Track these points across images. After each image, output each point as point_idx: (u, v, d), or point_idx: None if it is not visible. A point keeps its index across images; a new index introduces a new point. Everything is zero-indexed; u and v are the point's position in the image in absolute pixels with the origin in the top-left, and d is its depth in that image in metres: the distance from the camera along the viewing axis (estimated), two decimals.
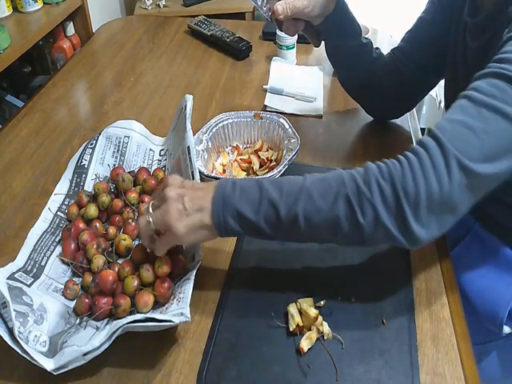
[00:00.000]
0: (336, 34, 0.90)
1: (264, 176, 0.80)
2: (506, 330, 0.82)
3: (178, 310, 0.62)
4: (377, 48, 0.97)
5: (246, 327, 0.67)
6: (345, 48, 0.93)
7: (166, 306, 0.65)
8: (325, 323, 0.65)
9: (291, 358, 0.64)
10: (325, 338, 0.64)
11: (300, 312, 0.66)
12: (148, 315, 0.61)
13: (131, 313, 0.66)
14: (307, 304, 0.66)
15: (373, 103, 1.03)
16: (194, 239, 0.65)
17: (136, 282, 0.67)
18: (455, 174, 0.56)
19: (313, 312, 0.64)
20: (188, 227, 0.62)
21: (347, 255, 0.76)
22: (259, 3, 0.75)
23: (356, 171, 0.61)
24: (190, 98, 0.84)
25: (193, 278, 0.66)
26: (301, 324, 0.65)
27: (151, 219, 0.64)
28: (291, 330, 0.65)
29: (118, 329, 0.60)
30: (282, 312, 0.68)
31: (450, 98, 0.90)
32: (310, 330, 0.65)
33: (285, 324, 0.67)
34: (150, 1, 2.01)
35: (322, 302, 0.68)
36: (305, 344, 0.63)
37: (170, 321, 0.60)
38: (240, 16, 2.02)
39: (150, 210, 0.65)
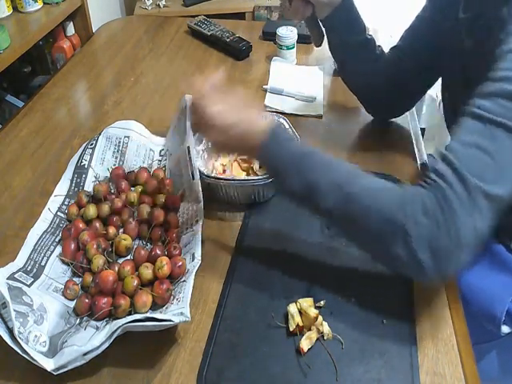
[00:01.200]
0: (342, 27, 0.90)
1: (264, 177, 0.80)
2: (505, 329, 0.81)
3: (178, 310, 0.62)
4: (379, 46, 0.97)
5: (246, 327, 0.67)
6: (350, 43, 0.93)
7: (166, 305, 0.65)
8: (325, 323, 0.65)
9: (291, 358, 0.64)
10: (325, 338, 0.64)
11: (300, 312, 0.66)
12: (148, 315, 0.61)
13: (130, 313, 0.66)
14: (307, 304, 0.66)
15: (373, 101, 1.02)
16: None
17: (136, 282, 0.67)
18: (482, 206, 0.57)
19: (313, 312, 0.64)
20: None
21: (347, 255, 0.75)
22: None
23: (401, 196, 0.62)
24: (190, 98, 0.84)
25: (192, 278, 0.66)
26: (301, 324, 0.65)
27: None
28: (291, 330, 0.65)
29: (117, 328, 0.60)
30: (282, 312, 0.68)
31: (447, 96, 0.91)
32: (310, 330, 0.65)
33: (285, 324, 0.67)
34: (150, 1, 2.01)
35: (322, 302, 0.68)
36: (305, 344, 0.63)
37: (170, 320, 0.60)
38: (240, 16, 2.02)
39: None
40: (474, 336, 0.68)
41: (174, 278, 0.70)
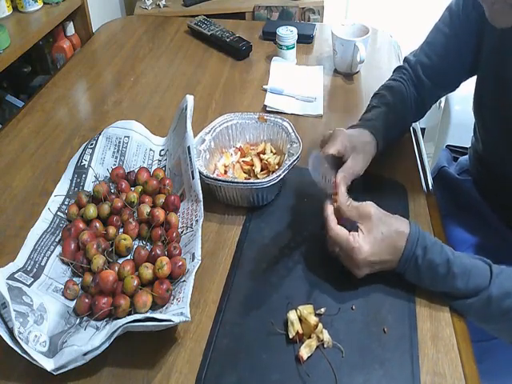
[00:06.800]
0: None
1: (263, 180, 0.79)
2: None
3: (178, 310, 0.62)
4: (388, 87, 0.96)
5: (245, 333, 0.66)
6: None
7: (166, 306, 0.65)
8: (325, 331, 0.64)
9: (290, 365, 0.63)
10: (325, 346, 0.64)
11: (300, 319, 0.65)
12: (148, 315, 0.61)
13: (130, 313, 0.66)
14: (307, 311, 0.65)
15: None
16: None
17: (136, 282, 0.67)
18: None
19: (313, 320, 0.64)
20: (371, 271, 0.70)
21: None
22: (320, 179, 0.76)
23: None
24: (190, 99, 0.84)
25: (193, 278, 0.66)
26: (300, 331, 0.64)
27: (337, 252, 0.70)
28: (291, 337, 0.64)
29: (117, 328, 0.60)
30: (282, 319, 0.67)
31: (486, 112, 0.89)
32: (309, 337, 0.64)
33: (284, 331, 0.66)
34: (150, 1, 2.01)
35: (322, 310, 0.67)
36: (304, 352, 0.62)
37: (170, 320, 0.60)
38: (240, 16, 2.02)
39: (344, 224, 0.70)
40: (476, 333, 0.68)
41: (174, 278, 0.70)
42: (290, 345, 0.65)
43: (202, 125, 0.93)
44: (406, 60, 0.98)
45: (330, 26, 1.24)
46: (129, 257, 0.76)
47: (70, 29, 1.46)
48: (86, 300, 0.67)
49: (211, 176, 0.82)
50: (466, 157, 1.07)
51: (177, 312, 0.62)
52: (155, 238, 0.77)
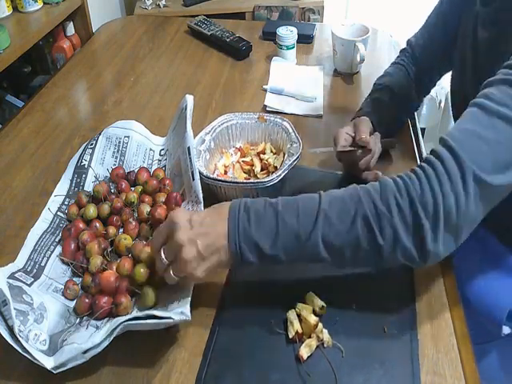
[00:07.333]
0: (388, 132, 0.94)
1: (264, 180, 0.79)
2: (506, 330, 0.81)
3: (179, 309, 0.62)
4: (389, 73, 1.00)
5: (244, 333, 0.66)
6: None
7: (167, 305, 0.65)
8: (325, 330, 0.64)
9: (290, 365, 0.62)
10: (325, 345, 0.63)
11: (300, 319, 0.65)
12: (149, 312, 0.61)
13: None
14: (307, 311, 0.65)
15: None
16: (211, 274, 0.63)
17: (143, 269, 0.67)
18: (471, 188, 0.56)
19: (313, 319, 0.64)
20: (207, 270, 0.62)
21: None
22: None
23: (372, 187, 0.60)
24: (190, 99, 0.84)
25: None
26: (300, 331, 0.64)
27: (172, 273, 0.62)
28: (290, 337, 0.64)
29: (117, 326, 0.60)
30: (282, 319, 0.67)
31: (457, 90, 0.91)
32: (309, 337, 0.64)
33: (284, 331, 0.66)
34: (150, 1, 2.01)
35: (322, 309, 0.67)
36: (304, 351, 0.62)
37: (170, 318, 0.60)
38: (240, 16, 2.02)
39: (163, 255, 0.62)
40: (475, 336, 0.68)
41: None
42: (289, 344, 0.65)
43: (201, 125, 0.93)
44: (407, 42, 1.03)
45: (330, 25, 1.24)
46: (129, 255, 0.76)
47: (70, 29, 1.46)
48: (86, 300, 0.67)
49: (211, 176, 0.81)
50: None
51: (177, 311, 0.62)
52: None
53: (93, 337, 0.60)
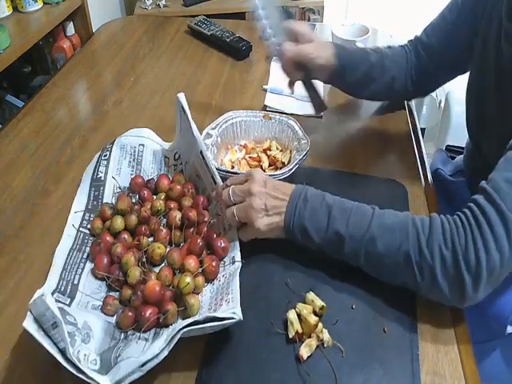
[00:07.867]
0: (345, 81, 0.93)
1: (277, 173, 0.80)
2: (510, 329, 0.81)
3: (230, 310, 0.61)
4: (389, 47, 1.00)
5: (244, 333, 0.66)
6: (357, 79, 0.95)
7: (215, 308, 0.64)
8: (325, 330, 0.64)
9: (290, 365, 0.62)
10: (325, 345, 0.63)
11: (300, 319, 0.65)
12: (207, 314, 0.60)
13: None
14: (307, 311, 0.65)
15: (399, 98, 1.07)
16: (269, 235, 0.72)
17: (189, 279, 0.67)
18: None
19: (313, 319, 0.63)
20: (268, 226, 0.70)
21: (348, 262, 0.74)
22: (267, 31, 0.75)
23: (422, 225, 0.63)
24: (182, 97, 0.82)
25: (237, 279, 0.66)
26: (300, 331, 0.64)
27: (235, 212, 0.70)
28: (290, 337, 0.64)
29: (177, 332, 0.58)
30: (282, 319, 0.67)
31: (474, 98, 0.90)
32: (309, 337, 0.64)
33: (284, 331, 0.66)
34: (150, 1, 2.01)
35: (322, 309, 0.67)
36: (304, 351, 0.62)
37: (232, 318, 0.60)
38: (240, 16, 2.02)
39: (232, 197, 0.71)
40: (478, 334, 0.68)
41: (218, 257, 0.72)
42: (289, 344, 0.64)
43: (201, 125, 0.93)
44: (415, 36, 1.02)
45: (330, 25, 1.24)
46: (162, 264, 0.74)
47: (70, 29, 1.47)
48: (130, 313, 0.65)
49: (223, 168, 0.82)
50: (462, 156, 1.07)
51: (229, 312, 0.61)
52: (189, 237, 0.76)
53: (151, 348, 0.58)
